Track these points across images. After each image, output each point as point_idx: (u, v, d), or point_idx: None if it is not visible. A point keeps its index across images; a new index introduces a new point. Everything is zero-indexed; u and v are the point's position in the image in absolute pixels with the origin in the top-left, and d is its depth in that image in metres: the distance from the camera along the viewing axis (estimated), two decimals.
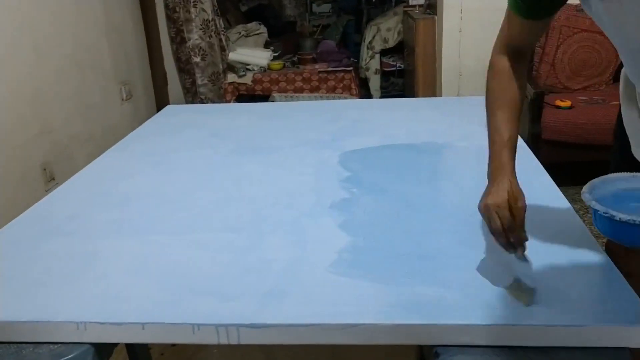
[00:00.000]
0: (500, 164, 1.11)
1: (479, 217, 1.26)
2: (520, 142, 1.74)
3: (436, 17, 3.41)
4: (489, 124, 1.19)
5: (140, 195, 1.52)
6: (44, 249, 1.26)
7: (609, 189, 1.01)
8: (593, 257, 1.12)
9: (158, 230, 1.32)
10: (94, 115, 3.04)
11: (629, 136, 1.29)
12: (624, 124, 1.30)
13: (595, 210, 0.94)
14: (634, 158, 1.24)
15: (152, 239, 1.28)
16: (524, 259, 1.08)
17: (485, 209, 1.05)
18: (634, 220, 0.89)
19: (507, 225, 1.01)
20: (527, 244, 1.05)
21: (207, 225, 1.34)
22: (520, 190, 1.07)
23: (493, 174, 1.11)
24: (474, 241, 1.20)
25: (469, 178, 1.56)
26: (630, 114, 1.27)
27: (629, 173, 1.01)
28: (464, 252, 1.16)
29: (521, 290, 1.00)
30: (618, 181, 1.01)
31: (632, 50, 1.07)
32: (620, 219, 0.90)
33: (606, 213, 0.92)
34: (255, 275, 1.12)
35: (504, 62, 1.20)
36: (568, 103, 2.93)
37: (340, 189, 1.49)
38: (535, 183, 1.46)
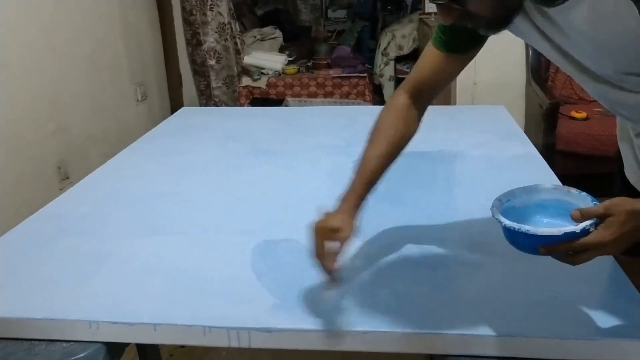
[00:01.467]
0: (349, 193, 1.12)
1: (492, 226, 1.26)
2: (535, 152, 1.75)
3: None
4: (363, 151, 1.17)
5: (154, 195, 1.53)
6: (58, 247, 1.27)
7: (534, 198, 0.99)
8: (606, 270, 1.11)
9: (171, 231, 1.33)
10: (109, 116, 3.07)
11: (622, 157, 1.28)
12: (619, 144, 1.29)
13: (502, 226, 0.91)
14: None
15: (166, 240, 1.29)
16: (331, 286, 1.07)
17: (310, 229, 1.05)
18: (515, 228, 0.88)
19: (316, 251, 1.03)
20: (337, 274, 1.04)
21: (220, 227, 1.34)
22: (351, 224, 1.06)
23: (341, 199, 1.11)
24: (487, 250, 1.19)
25: (483, 186, 1.56)
26: (621, 135, 1.26)
27: (553, 184, 1.01)
28: (477, 261, 1.16)
29: None
30: (544, 192, 0.99)
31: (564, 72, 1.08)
32: (505, 225, 0.90)
33: (497, 218, 0.92)
34: (268, 279, 1.12)
35: (402, 100, 1.18)
36: (583, 114, 2.91)
37: None
38: None
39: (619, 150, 1.32)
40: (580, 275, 1.09)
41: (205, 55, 4.08)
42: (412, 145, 1.82)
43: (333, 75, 4.10)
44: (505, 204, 0.97)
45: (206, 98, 4.24)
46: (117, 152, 1.88)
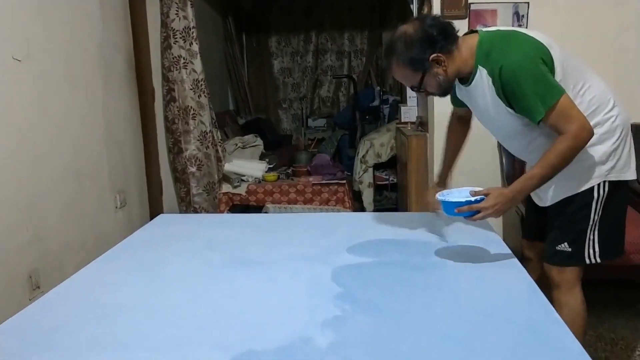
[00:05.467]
0: (441, 172, 2.26)
1: (474, 341, 1.23)
2: (513, 259, 1.75)
3: (427, 135, 3.52)
4: (445, 150, 2.26)
5: (127, 308, 1.48)
6: None
7: (462, 194, 1.78)
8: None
9: (144, 347, 1.28)
10: (87, 223, 3.03)
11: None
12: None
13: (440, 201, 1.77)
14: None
15: (139, 356, 1.23)
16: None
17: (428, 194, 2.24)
18: (445, 200, 1.75)
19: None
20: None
21: (195, 343, 1.29)
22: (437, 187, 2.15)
23: (437, 176, 2.31)
24: None
25: (462, 296, 1.54)
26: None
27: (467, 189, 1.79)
28: None
29: None
30: (463, 191, 1.79)
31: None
32: (441, 199, 1.76)
33: (439, 197, 1.78)
34: None
35: (454, 122, 2.24)
36: None
37: (333, 306, 1.46)
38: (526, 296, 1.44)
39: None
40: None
41: (186, 162, 4.12)
42: (392, 254, 1.83)
43: (313, 182, 4.15)
44: (443, 197, 1.79)
45: (186, 205, 4.24)
46: (93, 260, 1.84)
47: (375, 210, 4.80)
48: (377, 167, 4.88)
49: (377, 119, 5.85)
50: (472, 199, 1.70)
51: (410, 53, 1.74)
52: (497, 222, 1.97)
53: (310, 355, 1.22)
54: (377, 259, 1.81)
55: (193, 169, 4.12)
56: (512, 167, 3.04)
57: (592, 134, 1.70)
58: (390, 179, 4.84)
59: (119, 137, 3.49)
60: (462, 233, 2.03)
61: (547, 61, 1.71)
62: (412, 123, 4.00)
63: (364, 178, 4.83)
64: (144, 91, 3.93)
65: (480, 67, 1.76)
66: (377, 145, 4.82)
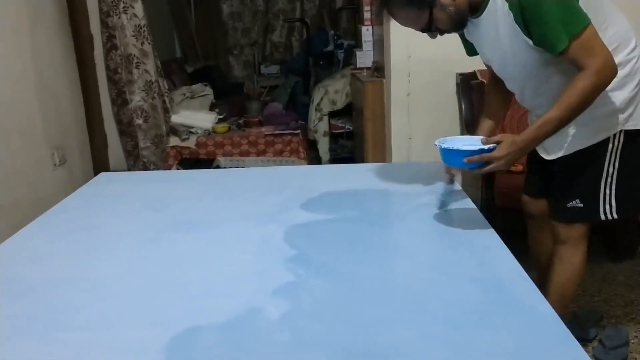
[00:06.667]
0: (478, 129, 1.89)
1: (437, 304, 1.14)
2: (474, 210, 1.66)
3: (384, 80, 3.38)
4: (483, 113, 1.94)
5: (53, 282, 1.32)
6: None
7: (459, 142, 1.59)
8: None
9: (70, 327, 1.13)
10: (20, 183, 2.81)
11: None
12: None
13: (440, 147, 1.56)
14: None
15: (63, 338, 1.09)
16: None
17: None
18: (451, 148, 1.54)
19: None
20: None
21: (129, 320, 1.15)
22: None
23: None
24: (432, 334, 1.06)
25: (424, 254, 1.45)
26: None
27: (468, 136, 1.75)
28: (421, 348, 1.02)
29: None
30: (465, 139, 1.65)
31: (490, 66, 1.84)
32: (443, 147, 1.55)
33: (437, 145, 1.57)
34: None
35: (490, 81, 1.95)
36: (519, 167, 2.89)
37: (285, 270, 1.34)
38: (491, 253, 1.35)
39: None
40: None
41: (132, 114, 3.89)
42: (348, 209, 1.71)
43: (265, 133, 3.98)
44: (445, 144, 1.57)
45: (134, 159, 4.03)
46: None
47: (331, 160, 4.69)
48: (332, 114, 4.73)
49: (331, 64, 5.65)
50: (485, 147, 1.50)
51: None
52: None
53: (259, 329, 1.10)
54: (332, 215, 1.69)
55: (139, 121, 3.89)
56: (472, 114, 2.94)
57: (616, 73, 1.52)
58: (346, 127, 4.71)
59: (53, 88, 3.23)
60: (422, 184, 1.92)
61: None
62: (368, 68, 3.84)
63: (319, 127, 4.69)
64: (80, 38, 3.65)
65: None
66: (331, 92, 4.66)
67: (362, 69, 3.93)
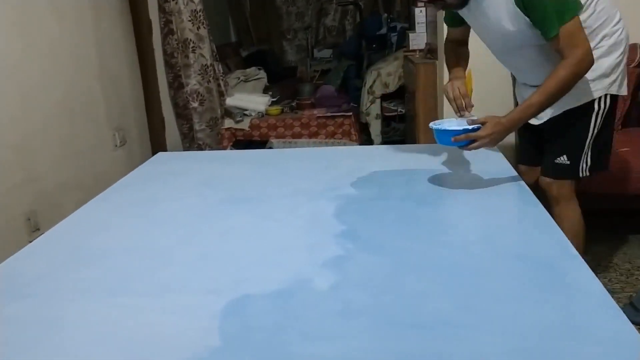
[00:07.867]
0: (453, 75, 2.01)
1: (483, 279, 1.15)
2: (525, 188, 1.65)
3: (437, 62, 3.35)
4: (448, 64, 2.08)
5: (116, 251, 1.40)
6: (5, 314, 1.14)
7: (453, 124, 1.74)
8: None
9: (130, 292, 1.20)
10: (83, 162, 2.95)
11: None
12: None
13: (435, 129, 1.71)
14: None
15: (123, 302, 1.16)
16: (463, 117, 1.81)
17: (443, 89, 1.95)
18: (440, 128, 1.70)
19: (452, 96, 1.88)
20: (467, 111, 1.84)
21: (184, 286, 1.22)
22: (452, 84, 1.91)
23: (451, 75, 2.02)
24: (476, 307, 1.07)
25: (471, 231, 1.45)
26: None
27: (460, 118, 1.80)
28: (464, 320, 1.03)
29: None
30: (459, 121, 1.76)
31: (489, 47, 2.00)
32: (435, 128, 1.71)
33: (432, 127, 1.71)
34: (235, 345, 0.99)
35: (450, 43, 2.13)
36: None
37: (334, 244, 1.38)
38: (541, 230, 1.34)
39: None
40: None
41: (187, 97, 4.00)
42: (397, 188, 1.73)
43: (317, 115, 4.02)
44: (438, 125, 1.73)
45: (189, 141, 4.14)
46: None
47: (383, 143, 4.68)
48: (384, 97, 4.71)
49: (384, 47, 5.61)
50: (469, 127, 1.65)
51: None
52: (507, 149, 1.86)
53: (308, 299, 1.14)
54: (381, 193, 1.72)
55: (195, 104, 3.99)
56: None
57: (592, 64, 1.70)
58: (399, 110, 4.68)
59: (114, 72, 3.36)
60: (472, 163, 1.92)
61: None
62: (421, 50, 3.81)
63: (371, 109, 4.68)
64: (139, 23, 3.76)
65: None
66: (384, 75, 4.64)
67: (414, 51, 3.90)
